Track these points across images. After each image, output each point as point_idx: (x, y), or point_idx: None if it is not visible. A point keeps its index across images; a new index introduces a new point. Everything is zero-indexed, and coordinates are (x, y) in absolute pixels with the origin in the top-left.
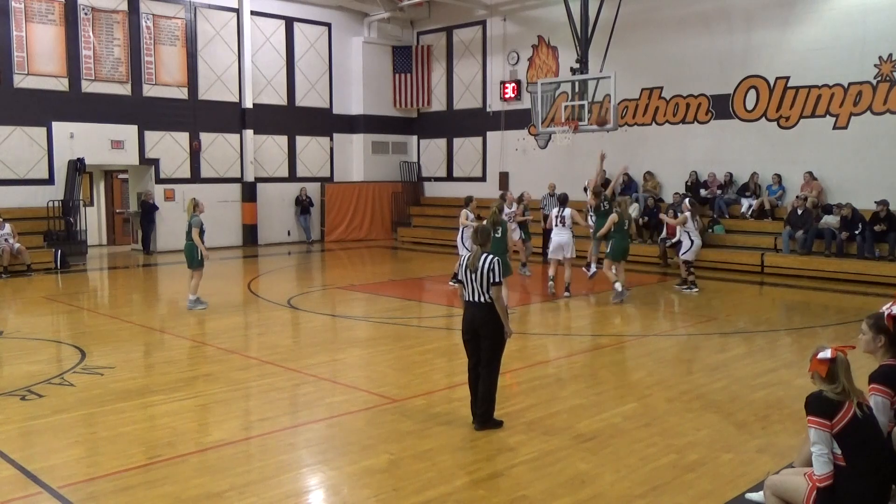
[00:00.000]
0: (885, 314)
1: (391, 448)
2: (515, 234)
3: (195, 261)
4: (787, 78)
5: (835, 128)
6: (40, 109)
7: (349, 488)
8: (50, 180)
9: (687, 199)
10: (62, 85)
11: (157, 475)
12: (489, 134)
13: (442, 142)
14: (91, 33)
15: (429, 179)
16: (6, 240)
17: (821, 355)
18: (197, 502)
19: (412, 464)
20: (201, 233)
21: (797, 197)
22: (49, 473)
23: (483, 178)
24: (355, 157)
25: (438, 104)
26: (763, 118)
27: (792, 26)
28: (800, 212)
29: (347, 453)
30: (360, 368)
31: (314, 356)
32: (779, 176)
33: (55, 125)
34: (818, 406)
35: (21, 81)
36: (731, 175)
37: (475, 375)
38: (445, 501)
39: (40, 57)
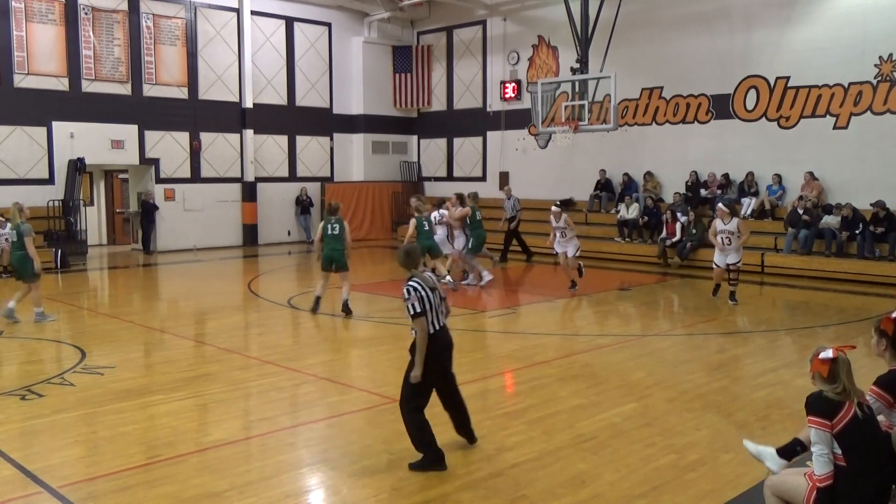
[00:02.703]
0: (887, 317)
1: (391, 448)
2: (458, 242)
3: (28, 272)
4: (788, 78)
5: (835, 128)
6: (40, 109)
7: (349, 488)
8: (50, 180)
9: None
10: (62, 85)
11: (157, 475)
12: (489, 134)
13: (442, 141)
14: (91, 33)
15: (429, 179)
16: (6, 239)
17: (822, 355)
18: (197, 502)
19: None
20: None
21: (800, 197)
22: (49, 473)
23: (483, 178)
24: (355, 157)
25: (438, 104)
26: (763, 118)
27: (792, 26)
28: (800, 211)
29: (347, 453)
30: (359, 368)
31: (314, 356)
32: (779, 176)
33: (55, 125)
34: (818, 406)
35: (21, 81)
36: (727, 175)
37: (447, 399)
38: (445, 501)
39: (40, 57)
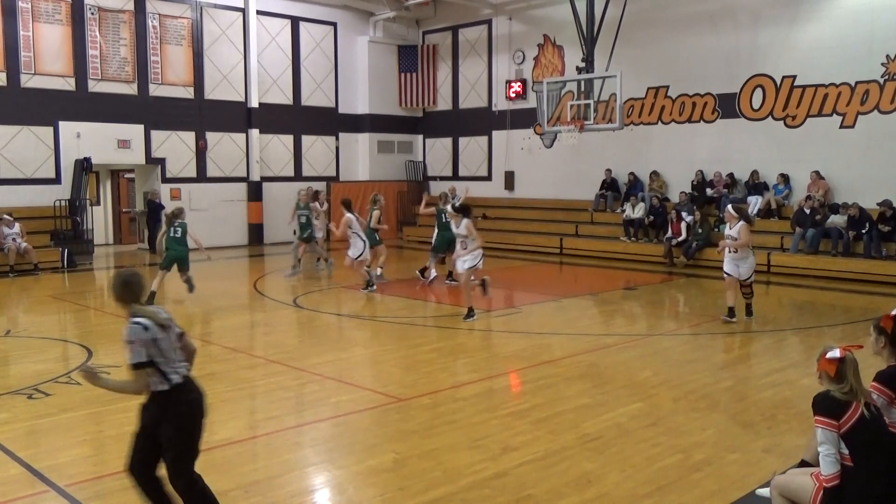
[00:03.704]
0: (886, 315)
1: (396, 447)
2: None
3: None
4: (794, 77)
5: (841, 127)
6: (47, 109)
7: (354, 487)
8: (57, 180)
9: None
10: (69, 84)
11: (163, 474)
12: (495, 133)
13: (447, 141)
14: (98, 33)
15: (434, 179)
16: (14, 239)
17: (829, 355)
18: None
19: (418, 463)
20: None
21: (807, 197)
22: (56, 472)
23: (489, 178)
24: (361, 157)
25: (444, 103)
26: (769, 117)
27: (799, 25)
28: (807, 211)
29: (353, 452)
30: (365, 367)
31: (320, 355)
32: (784, 175)
33: (62, 125)
34: (825, 406)
35: (28, 81)
36: (733, 175)
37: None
38: (451, 501)
39: (47, 57)
